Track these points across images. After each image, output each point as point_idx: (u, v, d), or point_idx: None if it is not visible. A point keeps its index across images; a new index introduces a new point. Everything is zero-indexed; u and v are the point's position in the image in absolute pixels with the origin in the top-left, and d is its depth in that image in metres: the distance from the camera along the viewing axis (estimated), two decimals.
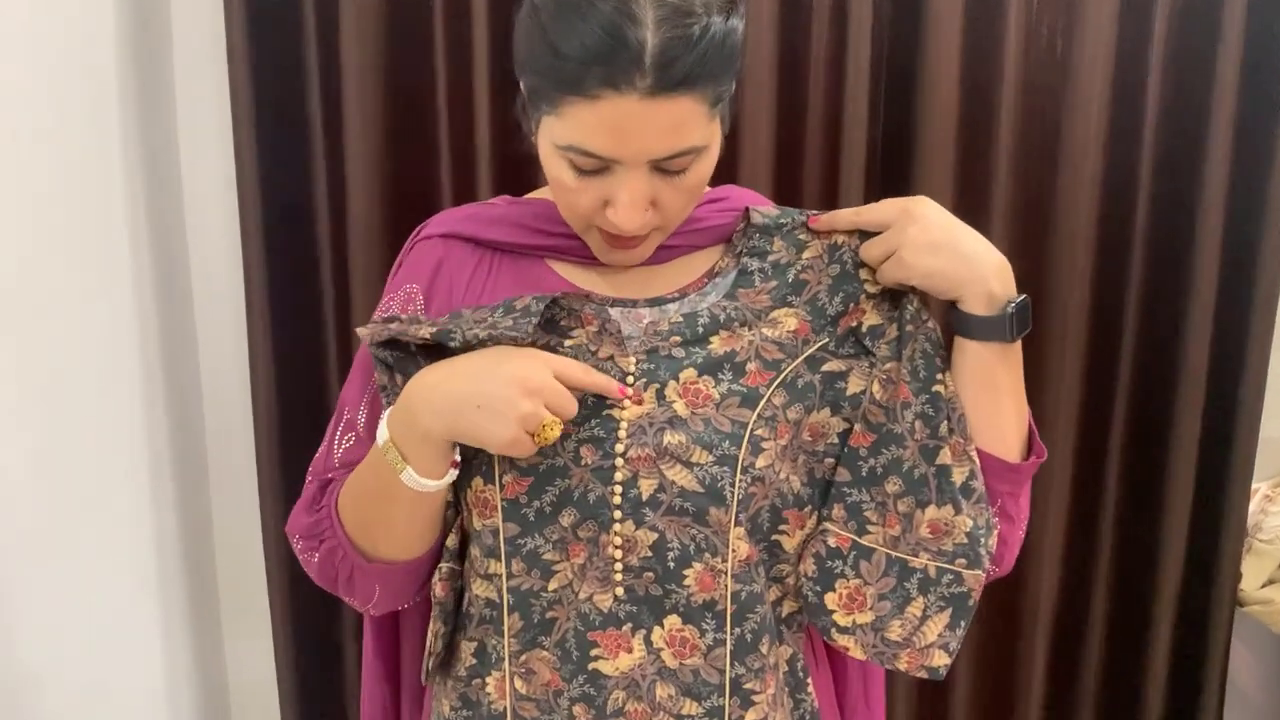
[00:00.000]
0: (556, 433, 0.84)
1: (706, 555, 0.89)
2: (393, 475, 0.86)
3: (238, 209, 1.58)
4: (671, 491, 0.88)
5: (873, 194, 1.65)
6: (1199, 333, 1.70)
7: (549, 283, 0.95)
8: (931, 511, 0.90)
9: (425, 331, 0.87)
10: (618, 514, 0.89)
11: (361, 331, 0.91)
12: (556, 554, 0.91)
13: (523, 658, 0.92)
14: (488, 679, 0.94)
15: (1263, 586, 1.81)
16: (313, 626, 1.72)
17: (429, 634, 0.96)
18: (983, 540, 0.91)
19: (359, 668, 1.69)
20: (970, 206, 1.61)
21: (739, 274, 0.94)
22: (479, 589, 0.94)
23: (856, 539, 0.92)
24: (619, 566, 0.90)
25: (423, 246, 0.99)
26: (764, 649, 0.92)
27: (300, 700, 1.75)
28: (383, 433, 0.87)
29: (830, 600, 0.92)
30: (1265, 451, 1.77)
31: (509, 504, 0.90)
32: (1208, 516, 1.78)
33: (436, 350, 0.90)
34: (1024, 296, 0.90)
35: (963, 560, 0.90)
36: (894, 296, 0.94)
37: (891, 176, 1.65)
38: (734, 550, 0.89)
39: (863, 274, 0.94)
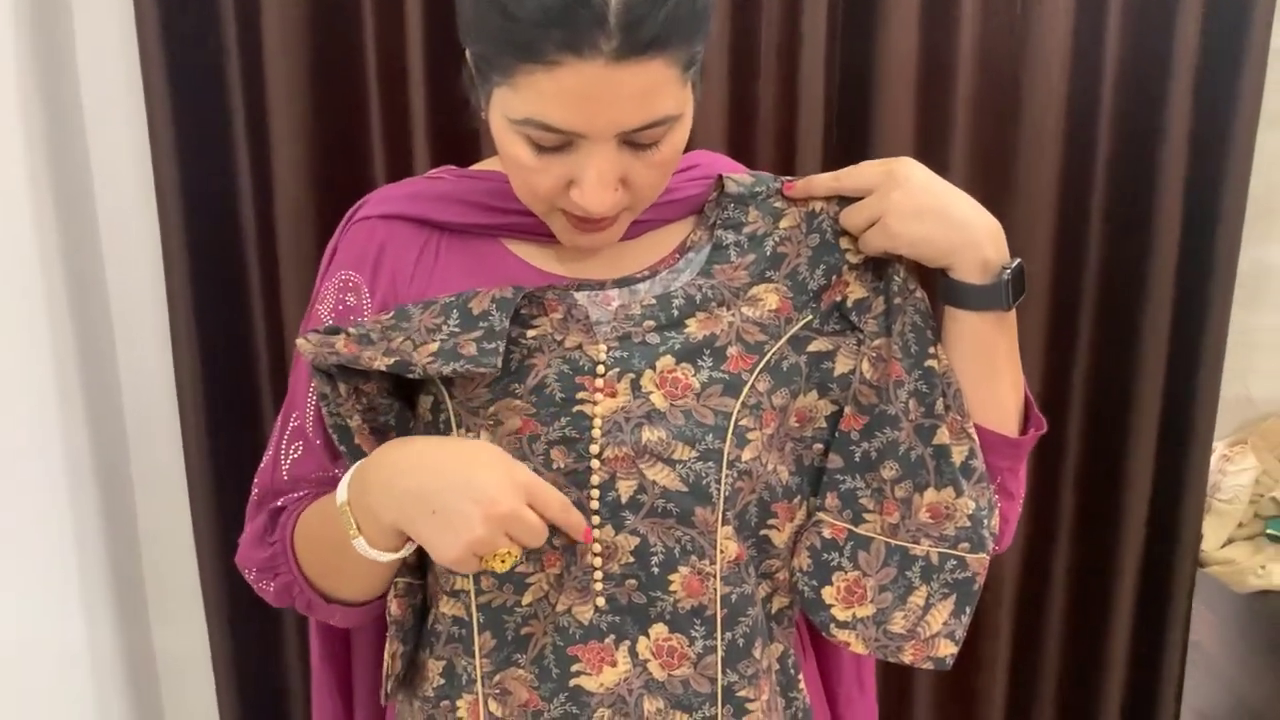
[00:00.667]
0: (508, 565, 0.77)
1: (693, 558, 0.82)
2: (344, 536, 0.80)
3: (154, 189, 1.46)
4: (653, 492, 0.81)
5: (831, 156, 1.58)
6: (1160, 292, 1.67)
7: (505, 266, 0.87)
8: (931, 495, 0.84)
9: (380, 362, 0.79)
10: (595, 519, 0.82)
11: (303, 347, 0.82)
12: (529, 565, 0.83)
13: (496, 678, 0.85)
14: (458, 702, 0.87)
15: (1223, 546, 1.80)
16: (249, 605, 1.62)
17: (386, 654, 0.88)
18: (985, 521, 0.85)
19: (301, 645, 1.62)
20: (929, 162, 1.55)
21: (713, 249, 0.87)
22: (445, 607, 0.86)
23: (853, 528, 0.86)
24: (599, 575, 0.83)
25: (360, 229, 0.89)
26: (756, 653, 0.86)
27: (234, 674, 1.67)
28: (341, 493, 0.81)
29: (828, 594, 0.86)
30: (1225, 411, 1.76)
31: None
32: (1170, 477, 1.76)
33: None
34: (1018, 261, 0.84)
35: (966, 544, 0.85)
36: (878, 266, 0.87)
37: (850, 135, 1.59)
38: (722, 551, 0.83)
39: (844, 243, 0.87)
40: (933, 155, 1.57)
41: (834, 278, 0.87)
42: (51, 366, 1.44)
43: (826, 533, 0.86)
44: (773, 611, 0.89)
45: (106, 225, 1.57)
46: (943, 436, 0.84)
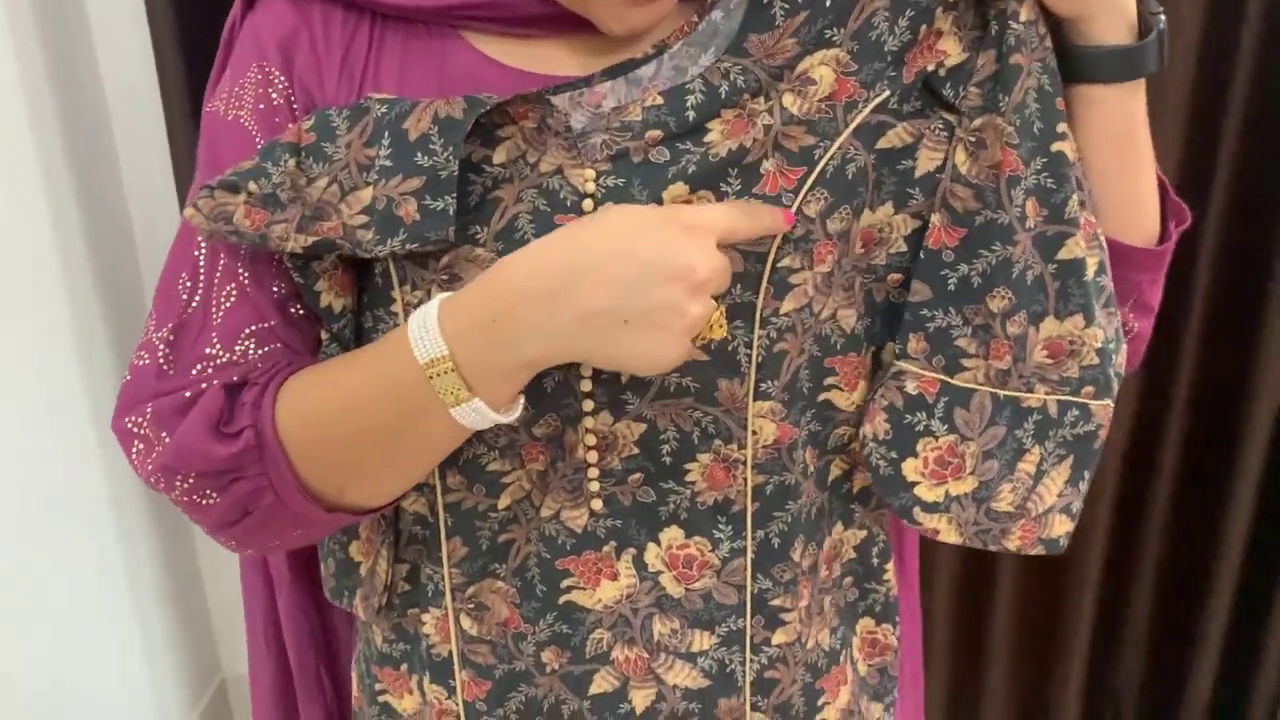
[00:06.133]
0: (723, 330, 0.60)
1: (716, 443, 0.65)
2: (433, 407, 0.59)
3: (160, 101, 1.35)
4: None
5: None
6: None
7: (464, 66, 0.65)
8: (1051, 326, 0.64)
9: (294, 241, 0.60)
10: (588, 404, 0.64)
11: (194, 219, 0.62)
12: (505, 462, 0.66)
13: (470, 591, 0.69)
14: (424, 616, 0.71)
15: None
16: None
17: (377, 564, 0.70)
18: (1113, 358, 0.65)
19: None
20: None
21: (751, 5, 0.61)
22: (406, 501, 0.70)
23: (947, 379, 0.65)
24: (594, 473, 0.65)
25: (267, 13, 0.66)
26: (795, 553, 0.68)
27: None
28: (427, 345, 0.58)
29: (911, 469, 0.66)
30: None
31: None
32: None
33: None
34: (1159, 9, 0.64)
35: (1091, 388, 0.65)
36: (980, 6, 0.63)
37: None
38: (755, 433, 0.65)
39: None
40: None
41: (923, 29, 0.62)
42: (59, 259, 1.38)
43: (911, 387, 0.65)
44: (853, 491, 0.71)
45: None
46: (1074, 247, 0.63)
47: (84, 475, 1.48)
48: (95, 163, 1.48)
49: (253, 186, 0.61)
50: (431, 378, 0.58)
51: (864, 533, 0.73)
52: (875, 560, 0.73)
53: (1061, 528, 0.67)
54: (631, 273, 0.56)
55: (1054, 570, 1.63)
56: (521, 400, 0.62)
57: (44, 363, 1.36)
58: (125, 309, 1.53)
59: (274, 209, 0.61)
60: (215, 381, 0.63)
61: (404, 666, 0.74)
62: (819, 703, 0.73)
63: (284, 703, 0.86)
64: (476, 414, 0.59)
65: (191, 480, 0.63)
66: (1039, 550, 0.68)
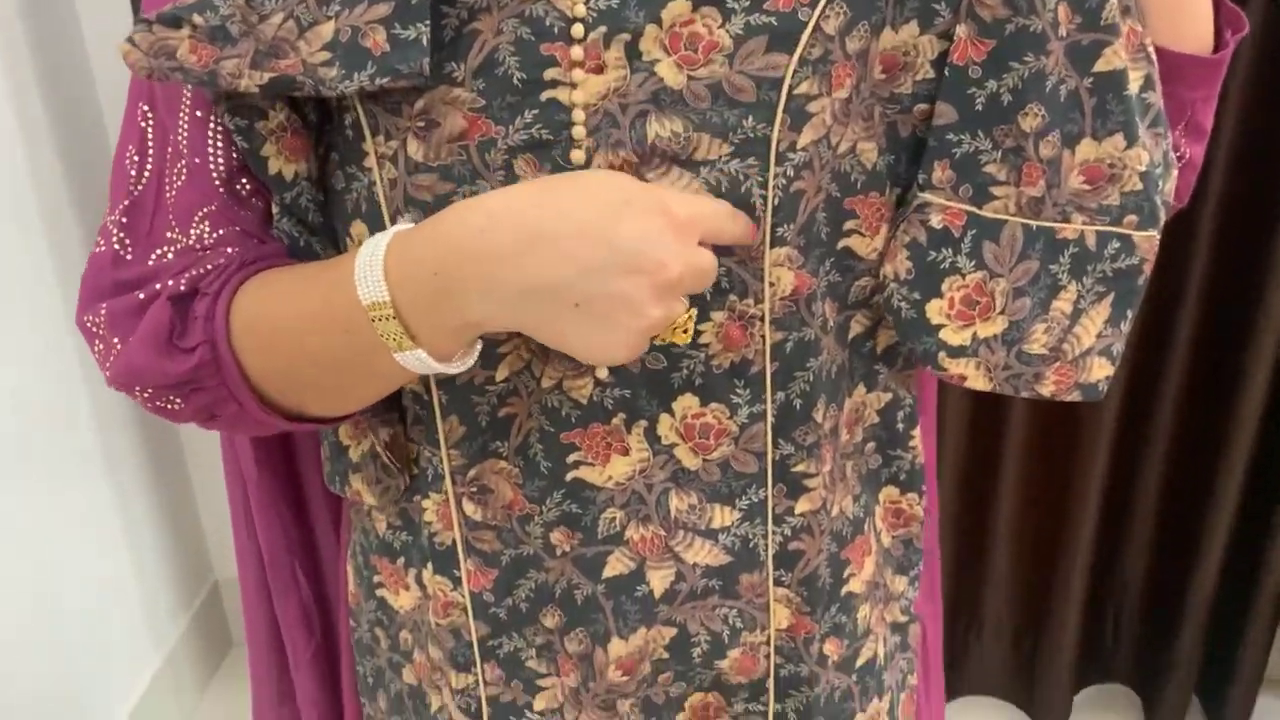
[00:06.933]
0: (691, 332, 0.56)
1: (731, 297, 0.59)
2: (380, 348, 0.54)
3: None
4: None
5: None
6: None
7: None
8: (1088, 149, 0.57)
9: (248, 79, 0.53)
10: None
11: (131, 57, 0.55)
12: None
13: (471, 473, 0.63)
14: (424, 502, 0.66)
15: None
16: None
17: (378, 443, 0.65)
18: (1159, 184, 0.59)
19: None
20: None
21: None
22: None
23: (975, 210, 0.59)
24: None
25: None
26: (818, 415, 0.63)
27: None
28: (371, 287, 0.53)
29: (935, 311, 0.60)
30: None
31: None
32: None
33: None
34: None
35: (1134, 217, 0.58)
36: None
37: None
38: (773, 283, 0.59)
39: None
40: None
41: None
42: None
43: (936, 220, 0.59)
44: (877, 350, 0.65)
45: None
46: (1113, 58, 0.56)
47: (64, 376, 1.44)
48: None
49: (197, 19, 0.54)
50: (374, 321, 0.53)
51: (888, 395, 0.67)
52: (900, 425, 0.68)
53: (1101, 372, 0.62)
54: (596, 255, 0.50)
55: (1060, 460, 1.60)
56: (477, 350, 0.56)
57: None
58: None
59: (223, 43, 0.54)
60: (168, 282, 0.58)
61: (401, 560, 0.69)
62: (844, 574, 0.68)
63: (270, 602, 0.82)
64: (421, 363, 0.54)
65: (150, 391, 0.60)
66: (1075, 396, 0.62)
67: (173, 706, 1.77)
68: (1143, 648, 1.76)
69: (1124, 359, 1.49)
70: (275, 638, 0.84)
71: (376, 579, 0.71)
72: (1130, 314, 0.61)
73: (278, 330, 0.57)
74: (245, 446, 0.76)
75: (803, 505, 0.64)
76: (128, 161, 0.60)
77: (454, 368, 0.56)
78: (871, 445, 0.68)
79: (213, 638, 1.88)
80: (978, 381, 0.61)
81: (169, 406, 0.60)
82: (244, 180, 0.60)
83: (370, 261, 0.53)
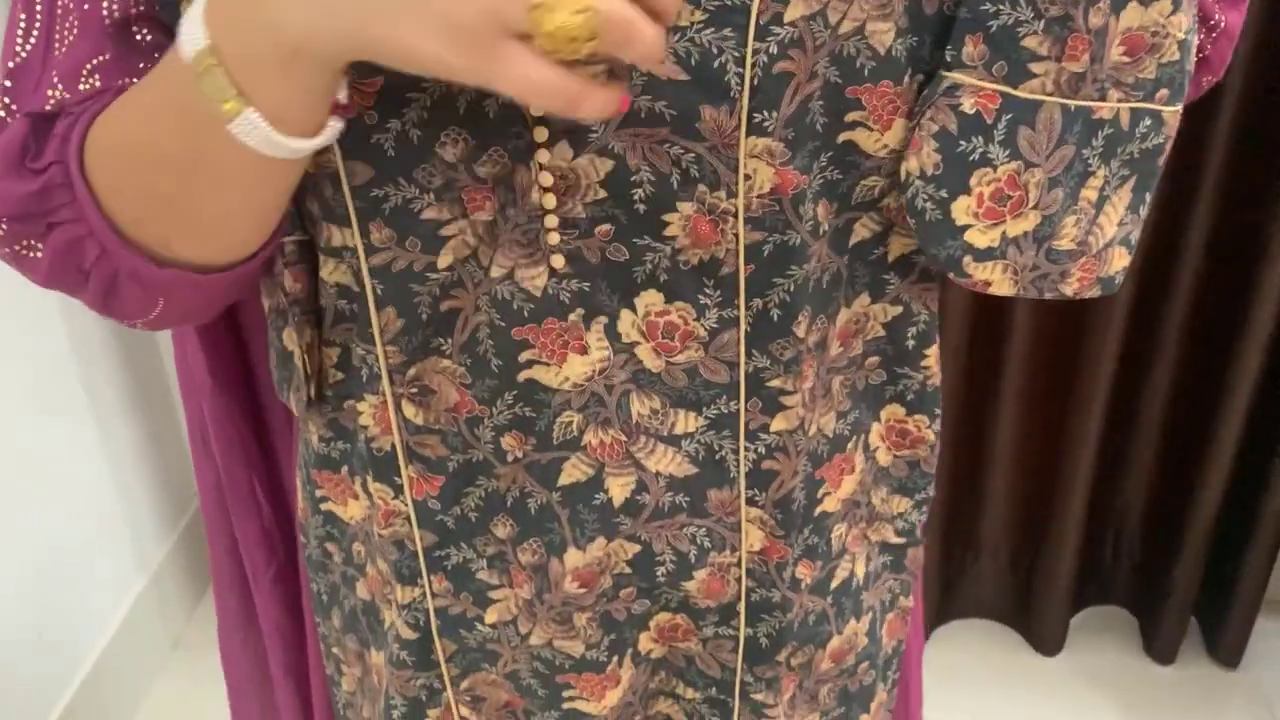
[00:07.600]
0: (579, 44, 0.40)
1: (701, 188, 0.53)
2: (209, 125, 0.46)
3: None
4: (631, 91, 0.51)
5: None
6: None
7: None
8: (1133, 15, 0.50)
9: None
10: (541, 133, 0.51)
11: None
12: (443, 208, 0.53)
13: (411, 372, 0.58)
14: (359, 405, 0.61)
15: None
16: None
17: (295, 346, 0.60)
18: (1190, 54, 0.53)
19: None
20: None
21: None
22: (327, 272, 0.58)
23: (1011, 90, 0.52)
24: (553, 221, 0.53)
25: None
26: (800, 329, 0.57)
27: None
28: (192, 37, 0.45)
29: (961, 210, 0.53)
30: None
31: (358, 132, 0.52)
32: None
33: None
34: None
35: (1165, 91, 0.53)
36: None
37: None
38: (748, 176, 0.53)
39: None
40: None
41: None
42: None
43: (968, 104, 0.52)
44: (887, 258, 0.60)
45: None
46: None
47: (42, 313, 1.40)
48: None
49: None
50: (200, 81, 0.45)
51: (898, 309, 0.61)
52: (911, 343, 0.62)
53: (1120, 262, 0.57)
54: None
55: (1061, 379, 1.55)
56: (331, 129, 0.48)
57: None
58: None
59: None
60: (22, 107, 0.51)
61: (344, 469, 0.65)
62: (819, 494, 0.64)
63: (229, 521, 0.78)
64: (256, 130, 0.46)
65: (5, 226, 0.52)
66: (1095, 292, 0.57)
67: (159, 628, 1.76)
68: (1141, 570, 1.74)
69: (1129, 273, 1.44)
70: (236, 559, 0.80)
71: (319, 493, 0.67)
72: (1149, 198, 0.55)
73: (118, 134, 0.50)
74: (199, 358, 0.71)
75: (779, 423, 0.59)
76: (17, 29, 0.53)
77: (298, 141, 0.47)
78: (875, 360, 0.63)
79: (198, 560, 1.86)
80: (1003, 286, 0.55)
81: (30, 254, 0.53)
82: (143, 29, 0.53)
83: (191, 14, 0.45)
